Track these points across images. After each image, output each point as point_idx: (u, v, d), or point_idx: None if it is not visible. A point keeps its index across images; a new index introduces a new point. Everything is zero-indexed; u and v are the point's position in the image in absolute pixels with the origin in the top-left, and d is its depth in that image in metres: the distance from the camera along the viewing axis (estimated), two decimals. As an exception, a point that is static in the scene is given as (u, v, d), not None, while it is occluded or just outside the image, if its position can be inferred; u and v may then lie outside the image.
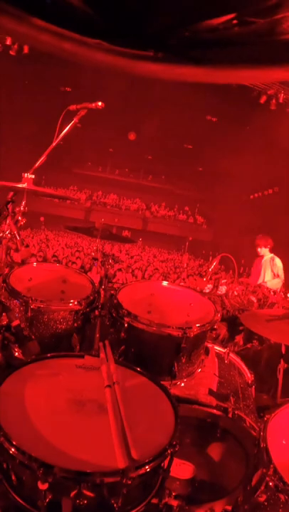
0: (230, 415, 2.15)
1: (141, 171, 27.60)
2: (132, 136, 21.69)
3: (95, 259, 2.63)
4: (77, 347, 2.30)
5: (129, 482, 1.23)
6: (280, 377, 3.50)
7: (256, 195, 23.11)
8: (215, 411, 2.16)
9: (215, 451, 2.02)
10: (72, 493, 1.22)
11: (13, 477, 1.32)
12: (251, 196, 23.35)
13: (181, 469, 1.81)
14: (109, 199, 27.71)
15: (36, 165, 2.57)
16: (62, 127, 2.67)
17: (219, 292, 4.61)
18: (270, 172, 18.59)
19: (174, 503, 1.61)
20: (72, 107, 2.67)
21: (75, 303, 2.25)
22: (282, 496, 1.31)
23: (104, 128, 17.07)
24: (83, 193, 27.79)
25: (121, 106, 16.28)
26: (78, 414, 1.50)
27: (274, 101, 14.21)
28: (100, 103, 2.66)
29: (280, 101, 14.24)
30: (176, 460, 1.77)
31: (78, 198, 26.57)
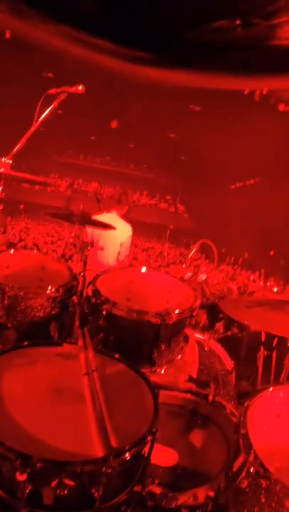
0: (210, 401, 2.16)
1: (122, 160, 27.46)
2: (114, 124, 21.52)
3: (74, 245, 2.58)
4: (56, 335, 2.26)
5: (109, 470, 1.22)
6: (260, 364, 3.54)
7: (238, 184, 23.28)
8: (195, 397, 2.16)
9: (197, 438, 2.03)
10: (53, 483, 1.20)
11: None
12: (233, 186, 23.50)
13: (164, 456, 1.81)
14: (90, 187, 27.51)
15: (14, 150, 2.51)
16: (41, 112, 2.60)
17: (199, 280, 4.63)
18: (253, 162, 18.73)
19: (157, 490, 1.60)
20: (52, 91, 2.60)
21: (53, 290, 2.21)
22: (263, 482, 1.31)
23: (86, 116, 16.88)
24: (64, 181, 27.54)
25: (103, 93, 16.10)
26: (57, 402, 1.48)
27: (258, 92, 14.26)
28: (80, 87, 2.60)
29: (264, 92, 14.30)
30: (158, 447, 1.77)
31: (58, 185, 26.33)
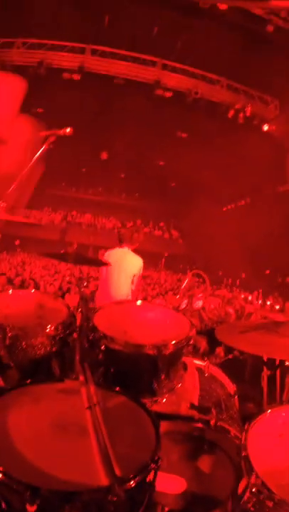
0: (212, 427, 2.19)
1: (114, 190, 27.81)
2: (104, 156, 21.90)
3: (69, 282, 2.67)
4: (57, 371, 2.31)
5: (115, 499, 1.26)
6: (264, 384, 3.56)
7: (229, 206, 23.56)
8: (198, 424, 2.20)
9: (204, 463, 2.05)
10: None
11: (3, 503, 1.33)
12: (224, 208, 23.77)
13: (171, 484, 1.83)
14: (84, 219, 27.75)
15: (8, 191, 2.61)
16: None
17: (196, 306, 4.69)
18: (242, 183, 19.02)
19: None
20: (42, 134, 2.73)
21: (52, 328, 2.27)
22: (267, 502, 1.35)
23: (77, 148, 17.21)
24: (58, 214, 27.77)
25: (92, 126, 16.48)
26: (61, 437, 1.52)
27: (241, 114, 14.64)
28: (68, 130, 2.73)
29: (248, 114, 14.68)
30: (166, 475, 1.80)
31: (52, 219, 26.51)
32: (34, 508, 1.21)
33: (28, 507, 1.21)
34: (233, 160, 16.85)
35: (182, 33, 11.99)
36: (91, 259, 3.09)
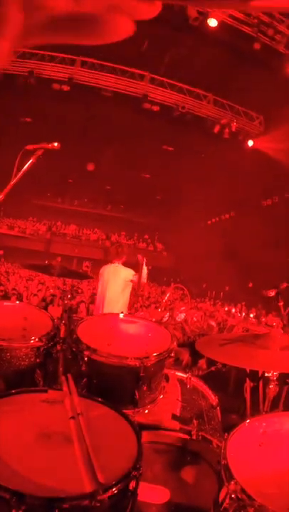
0: (194, 437, 2.24)
1: (100, 201, 27.86)
2: (90, 167, 21.98)
3: (53, 295, 2.71)
4: (41, 382, 2.34)
5: (98, 504, 1.29)
6: (248, 396, 3.62)
7: (214, 220, 23.80)
8: (180, 435, 2.24)
9: (188, 474, 2.08)
10: None
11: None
12: (209, 222, 24.01)
13: (156, 494, 1.87)
14: (68, 230, 27.67)
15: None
16: (20, 166, 2.77)
17: (178, 319, 4.76)
18: (226, 197, 19.28)
19: None
20: (30, 147, 2.79)
21: (36, 339, 2.31)
22: (248, 508, 1.38)
23: (63, 159, 17.27)
24: (42, 224, 27.64)
25: (80, 137, 16.57)
26: (46, 446, 1.55)
27: (227, 130, 14.91)
28: (56, 144, 2.79)
29: (233, 130, 14.96)
30: (149, 485, 1.83)
31: (36, 229, 26.38)
32: None
33: None
34: (218, 174, 17.11)
35: (171, 48, 12.24)
36: (75, 272, 3.13)
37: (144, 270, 5.09)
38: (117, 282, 5.18)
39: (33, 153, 2.83)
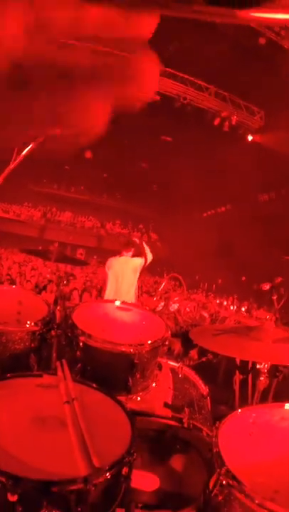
0: (185, 425, 2.26)
1: (96, 189, 27.70)
2: (88, 154, 21.80)
3: (50, 281, 2.71)
4: (35, 367, 2.35)
5: (93, 488, 1.32)
6: (237, 388, 3.66)
7: (209, 212, 23.79)
8: (172, 422, 2.26)
9: (177, 462, 2.09)
10: (41, 504, 1.28)
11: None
12: (204, 214, 23.99)
13: (145, 481, 1.88)
14: (63, 217, 27.54)
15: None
16: (19, 151, 2.75)
17: (172, 309, 4.79)
18: (223, 190, 19.24)
19: None
20: (31, 133, 2.77)
21: (32, 324, 2.31)
22: (237, 494, 1.40)
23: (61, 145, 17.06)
24: (37, 210, 27.46)
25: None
26: (40, 430, 1.56)
27: (227, 123, 14.86)
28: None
29: (233, 123, 14.91)
30: (140, 472, 1.85)
31: (31, 215, 26.22)
32: (16, 497, 1.25)
33: (9, 496, 1.25)
34: (216, 167, 17.05)
35: (175, 39, 12.11)
36: (72, 258, 3.13)
37: (146, 248, 5.31)
38: (130, 274, 5.35)
39: (33, 139, 2.81)
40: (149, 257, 5.37)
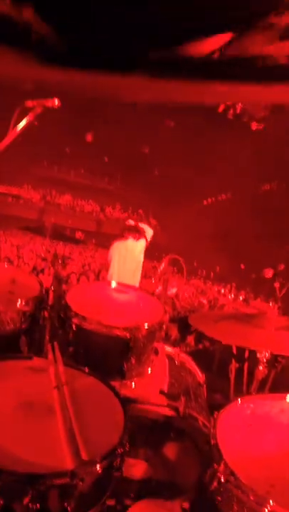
0: (181, 414, 2.18)
1: (97, 173, 27.54)
2: (89, 138, 21.62)
3: (44, 259, 2.60)
4: (25, 349, 2.25)
5: (80, 483, 1.23)
6: (232, 376, 3.60)
7: (210, 200, 23.68)
8: (166, 410, 2.18)
9: (170, 451, 2.05)
10: (24, 497, 1.20)
11: None
12: (205, 201, 23.88)
13: (137, 469, 1.82)
14: (63, 199, 27.40)
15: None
16: (16, 124, 2.61)
17: (170, 294, 4.71)
18: (225, 178, 19.13)
19: (132, 503, 1.61)
20: (29, 103, 2.62)
21: (23, 303, 2.21)
22: (234, 490, 1.35)
23: (62, 128, 16.91)
24: (37, 193, 27.30)
25: (79, 107, 16.19)
26: (27, 415, 1.48)
27: (232, 111, 14.70)
28: (56, 101, 2.62)
29: (238, 111, 14.75)
30: (131, 460, 1.77)
31: (31, 197, 26.08)
32: None
33: None
34: (218, 154, 16.91)
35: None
36: (68, 236, 3.01)
37: (144, 226, 5.34)
38: (136, 257, 5.31)
39: (31, 110, 2.66)
40: (149, 233, 5.34)
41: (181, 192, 22.46)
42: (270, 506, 1.27)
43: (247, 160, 15.55)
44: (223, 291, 14.59)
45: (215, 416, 1.63)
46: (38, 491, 1.20)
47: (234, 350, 3.85)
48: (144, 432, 2.09)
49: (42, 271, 9.20)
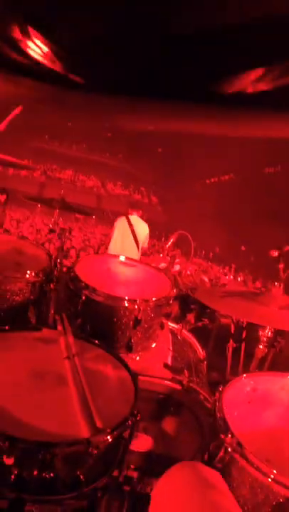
0: (185, 387, 2.22)
1: (99, 148, 27.18)
2: (91, 112, 21.25)
3: (53, 231, 2.59)
4: (34, 320, 2.27)
5: (95, 451, 1.23)
6: (229, 355, 3.64)
7: (212, 179, 23.48)
8: (170, 383, 2.21)
9: (169, 424, 2.07)
10: (39, 466, 1.21)
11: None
12: (208, 181, 23.69)
13: (139, 442, 1.84)
14: (64, 174, 27.14)
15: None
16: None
17: (173, 270, 4.70)
18: (228, 158, 18.93)
19: (134, 475, 1.64)
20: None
21: (33, 274, 2.21)
22: (239, 459, 1.37)
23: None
24: (38, 167, 27.02)
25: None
26: (39, 386, 1.48)
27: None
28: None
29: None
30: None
31: (31, 171, 25.84)
32: (12, 460, 1.17)
33: (5, 459, 1.17)
34: (222, 132, 16.68)
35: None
36: (77, 208, 3.00)
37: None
38: (139, 234, 5.60)
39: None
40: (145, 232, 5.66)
41: (184, 170, 22.25)
42: (274, 475, 1.30)
43: (252, 140, 15.36)
44: (222, 271, 14.62)
45: (221, 389, 1.66)
46: (53, 460, 1.20)
47: (232, 330, 3.89)
48: (146, 404, 2.13)
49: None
